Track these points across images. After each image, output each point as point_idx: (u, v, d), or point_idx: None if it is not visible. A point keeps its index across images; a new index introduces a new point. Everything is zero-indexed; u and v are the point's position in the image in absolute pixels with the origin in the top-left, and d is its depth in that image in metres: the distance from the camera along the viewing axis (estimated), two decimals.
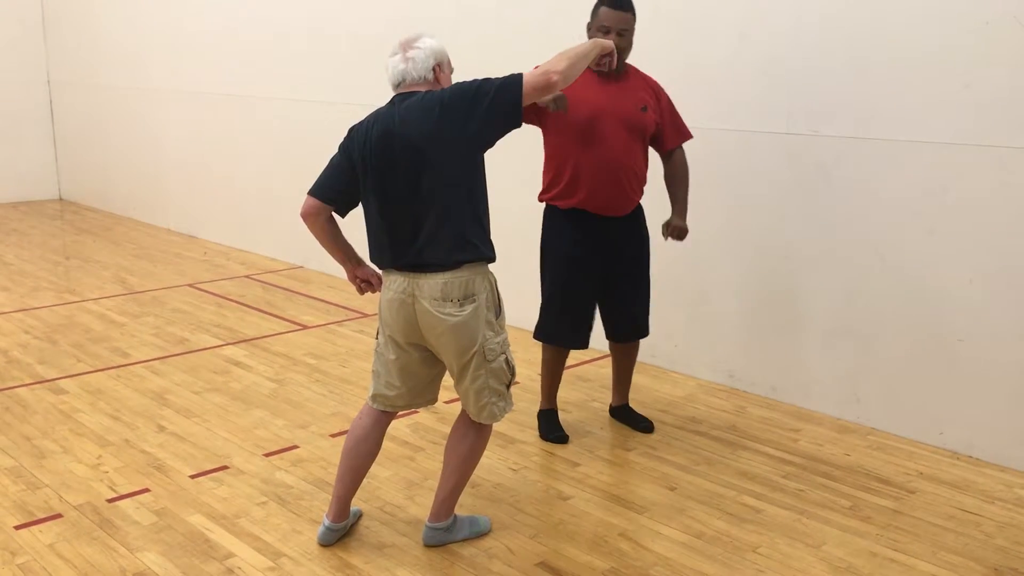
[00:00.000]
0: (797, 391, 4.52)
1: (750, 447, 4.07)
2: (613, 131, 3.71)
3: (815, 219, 4.33)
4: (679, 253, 4.62)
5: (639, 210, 3.97)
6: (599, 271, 3.90)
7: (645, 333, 4.14)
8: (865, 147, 4.10)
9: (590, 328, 4.00)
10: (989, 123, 3.74)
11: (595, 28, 3.70)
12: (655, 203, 4.06)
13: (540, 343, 4.09)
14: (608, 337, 4.17)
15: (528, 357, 4.90)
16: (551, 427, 4.13)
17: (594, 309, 3.99)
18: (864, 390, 4.27)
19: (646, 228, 4.01)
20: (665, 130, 3.92)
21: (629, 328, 4.10)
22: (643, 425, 4.22)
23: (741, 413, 4.45)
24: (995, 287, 3.82)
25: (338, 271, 6.96)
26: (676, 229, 3.93)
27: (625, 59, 3.77)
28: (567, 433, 4.11)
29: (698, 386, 4.81)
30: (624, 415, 4.31)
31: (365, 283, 3.26)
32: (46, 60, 10.39)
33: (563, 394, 4.41)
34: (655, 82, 3.92)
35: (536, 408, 4.29)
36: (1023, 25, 3.59)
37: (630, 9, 3.72)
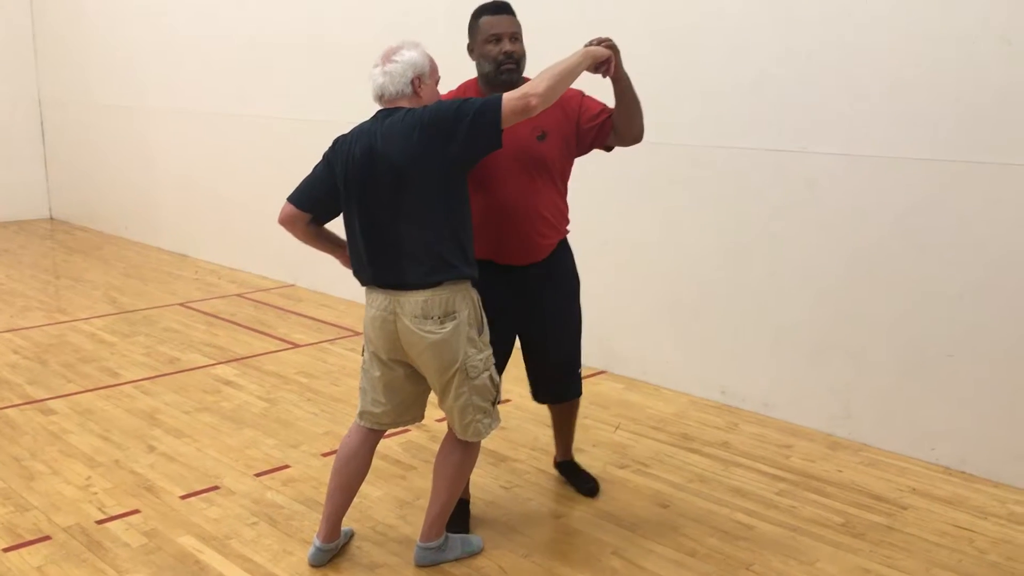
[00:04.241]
0: (789, 407, 4.52)
1: (742, 464, 4.06)
2: (504, 169, 3.16)
3: (805, 235, 4.34)
4: (670, 269, 4.63)
5: (560, 252, 3.39)
6: (513, 328, 3.39)
7: (576, 393, 3.63)
8: (854, 163, 4.12)
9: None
10: (978, 139, 3.76)
11: (482, 41, 3.17)
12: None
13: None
14: (536, 399, 3.67)
15: (519, 375, 4.88)
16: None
17: (505, 365, 3.40)
18: (856, 406, 4.28)
19: (570, 270, 3.45)
20: (598, 129, 3.28)
21: (556, 388, 3.61)
22: (587, 487, 3.76)
23: (733, 429, 4.45)
24: (985, 302, 3.83)
25: (330, 289, 7.00)
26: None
27: (522, 71, 3.22)
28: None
29: (690, 402, 4.81)
30: (568, 472, 3.87)
31: None
32: (37, 78, 10.39)
33: (545, 412, 4.21)
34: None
35: (526, 424, 4.27)
36: (1010, 43, 3.62)
37: (513, 12, 3.22)
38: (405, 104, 2.97)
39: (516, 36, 3.19)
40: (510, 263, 3.30)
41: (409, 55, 2.97)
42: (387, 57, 2.99)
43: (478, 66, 3.23)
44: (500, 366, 3.31)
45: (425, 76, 2.99)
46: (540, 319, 3.42)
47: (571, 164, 3.37)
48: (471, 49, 3.26)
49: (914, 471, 3.99)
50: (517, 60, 3.18)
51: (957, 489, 3.83)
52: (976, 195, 3.80)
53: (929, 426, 4.05)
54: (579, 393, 3.65)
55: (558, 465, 3.94)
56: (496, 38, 3.16)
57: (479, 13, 3.22)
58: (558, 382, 3.59)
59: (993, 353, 3.83)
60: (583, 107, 3.28)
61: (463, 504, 3.51)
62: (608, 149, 3.38)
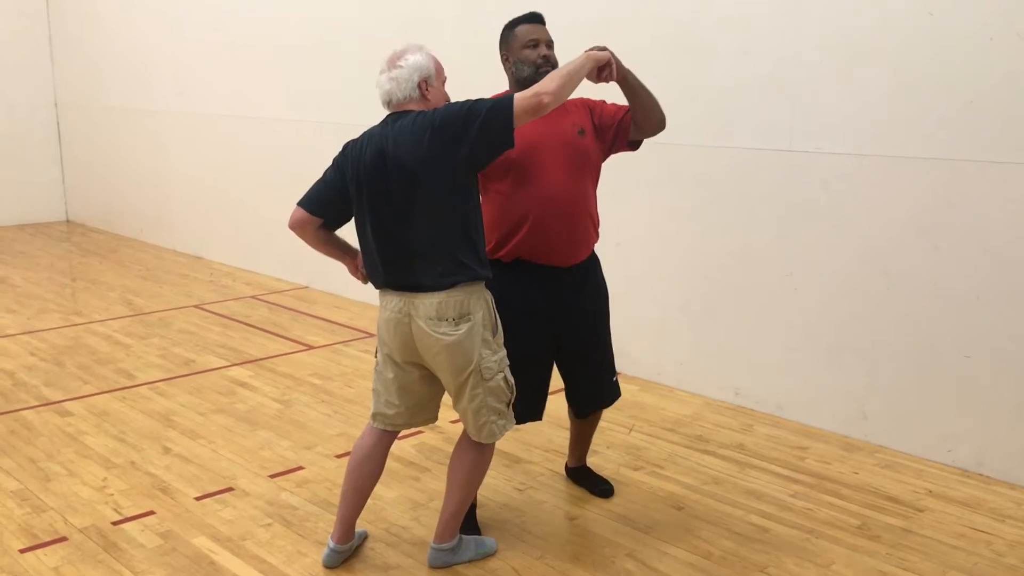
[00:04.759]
0: (804, 409, 4.50)
1: (757, 466, 4.05)
2: (553, 161, 3.25)
3: (819, 236, 4.32)
4: (683, 270, 4.62)
5: (593, 259, 3.48)
6: (550, 334, 3.41)
7: (615, 396, 3.64)
8: (868, 164, 4.10)
9: (544, 398, 3.49)
10: (992, 139, 3.74)
11: (519, 47, 3.28)
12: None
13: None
14: (576, 412, 3.70)
15: None
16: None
17: (549, 378, 3.48)
18: (871, 407, 4.25)
19: (603, 279, 3.54)
20: (618, 126, 3.37)
21: (593, 397, 3.62)
22: (601, 488, 3.79)
23: (748, 431, 4.43)
24: (1002, 303, 3.80)
25: (343, 291, 7.01)
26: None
27: None
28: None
29: (705, 404, 4.79)
30: (582, 477, 3.89)
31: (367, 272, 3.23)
32: (53, 82, 10.46)
33: (561, 414, 4.19)
34: (585, 97, 3.44)
35: (540, 426, 4.27)
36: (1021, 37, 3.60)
37: (545, 22, 3.37)
38: (414, 107, 2.97)
39: (551, 44, 3.34)
40: (550, 263, 3.33)
41: (413, 59, 2.98)
42: (392, 62, 2.99)
43: (515, 71, 3.30)
44: (533, 370, 3.35)
45: (431, 79, 3.00)
46: (582, 324, 3.45)
47: (601, 166, 3.44)
48: (505, 58, 3.35)
49: (931, 473, 3.97)
50: (553, 65, 3.28)
51: (974, 491, 3.80)
52: (991, 194, 3.77)
53: (945, 428, 4.03)
54: (618, 395, 3.64)
55: (570, 471, 3.93)
56: (534, 43, 3.29)
57: (515, 23, 3.35)
58: (597, 388, 3.59)
59: (1010, 354, 3.81)
60: (604, 109, 3.42)
61: (470, 508, 3.50)
62: (635, 147, 3.45)
